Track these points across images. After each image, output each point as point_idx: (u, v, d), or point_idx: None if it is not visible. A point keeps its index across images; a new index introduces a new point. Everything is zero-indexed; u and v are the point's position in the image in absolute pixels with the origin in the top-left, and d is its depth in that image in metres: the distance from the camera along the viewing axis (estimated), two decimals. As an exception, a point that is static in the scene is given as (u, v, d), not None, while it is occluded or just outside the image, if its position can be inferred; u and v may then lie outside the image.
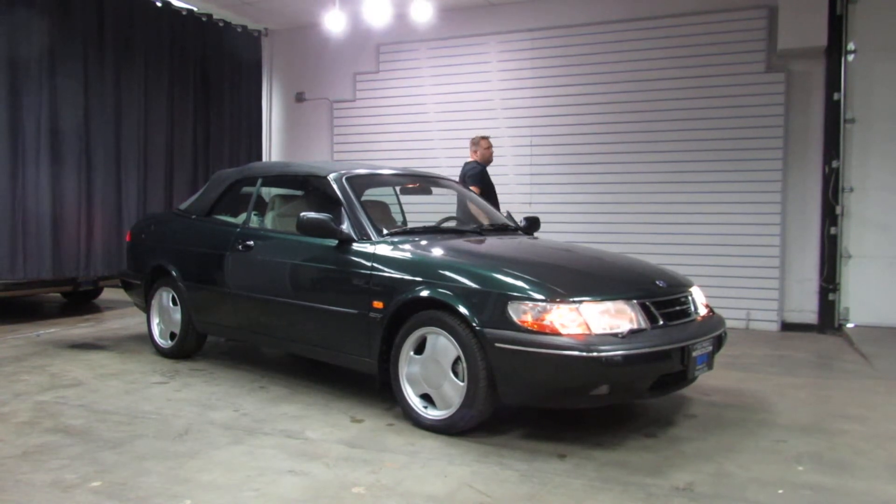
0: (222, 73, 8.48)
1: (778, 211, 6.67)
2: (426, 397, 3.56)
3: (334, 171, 4.36)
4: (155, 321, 5.15)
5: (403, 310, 3.61)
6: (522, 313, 3.23)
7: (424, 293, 3.52)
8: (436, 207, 4.97)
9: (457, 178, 6.03)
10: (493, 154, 6.62)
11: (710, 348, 3.62)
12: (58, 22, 6.50)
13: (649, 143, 7.09)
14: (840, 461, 3.23)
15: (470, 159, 6.60)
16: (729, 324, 4.03)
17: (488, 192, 6.32)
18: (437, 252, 3.82)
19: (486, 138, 6.63)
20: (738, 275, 6.76)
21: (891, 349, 5.69)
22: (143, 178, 7.44)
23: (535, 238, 4.72)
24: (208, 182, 5.40)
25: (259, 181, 4.91)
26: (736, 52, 6.75)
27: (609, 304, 3.30)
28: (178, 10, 7.86)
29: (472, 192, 5.50)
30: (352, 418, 3.73)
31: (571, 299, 3.24)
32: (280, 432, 3.48)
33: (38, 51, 6.33)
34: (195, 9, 8.05)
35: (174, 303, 4.98)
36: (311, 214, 3.95)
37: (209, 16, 8.23)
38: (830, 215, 6.57)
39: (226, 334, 5.01)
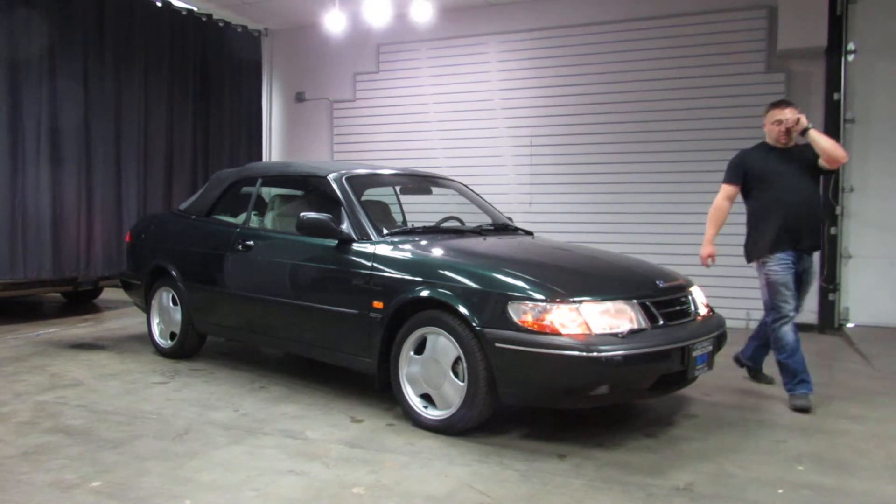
0: (222, 73, 8.49)
1: (778, 211, 6.66)
2: (426, 397, 3.56)
3: (334, 171, 4.36)
4: (155, 321, 5.16)
5: (403, 310, 3.61)
6: (522, 313, 3.23)
7: (424, 293, 3.51)
8: (436, 207, 4.96)
9: (456, 178, 5.64)
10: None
11: (711, 348, 3.62)
12: (58, 22, 6.50)
13: (649, 143, 7.08)
14: (840, 461, 3.23)
15: None
16: (729, 324, 4.03)
17: (759, 186, 4.48)
18: (437, 252, 3.82)
19: (778, 105, 4.23)
20: (738, 275, 6.74)
21: (891, 349, 5.69)
22: (143, 178, 7.44)
23: (535, 238, 4.71)
24: (208, 182, 5.40)
25: (259, 181, 4.91)
26: (736, 52, 6.74)
27: (609, 304, 3.30)
28: (178, 10, 7.86)
29: (475, 194, 5.17)
30: (352, 418, 3.73)
31: (571, 299, 3.24)
32: (280, 432, 3.48)
33: (38, 51, 6.34)
34: (195, 9, 8.04)
35: (174, 303, 4.98)
36: (311, 214, 3.95)
37: (209, 16, 8.23)
38: (830, 215, 6.56)
39: (226, 334, 5.01)
